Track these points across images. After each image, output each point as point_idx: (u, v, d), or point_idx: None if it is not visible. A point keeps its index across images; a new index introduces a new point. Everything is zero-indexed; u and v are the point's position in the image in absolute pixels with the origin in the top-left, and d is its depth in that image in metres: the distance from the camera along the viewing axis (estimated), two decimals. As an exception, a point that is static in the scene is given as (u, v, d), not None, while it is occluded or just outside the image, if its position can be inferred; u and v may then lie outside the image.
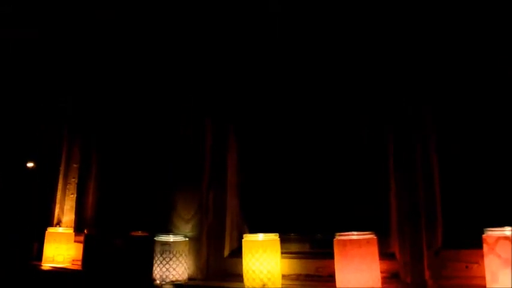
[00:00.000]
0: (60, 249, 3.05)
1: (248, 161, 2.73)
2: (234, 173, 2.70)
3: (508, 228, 1.66)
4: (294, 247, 2.44)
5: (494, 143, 2.08)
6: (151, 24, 3.02)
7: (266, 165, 2.68)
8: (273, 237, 2.20)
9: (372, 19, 2.36)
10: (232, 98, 2.74)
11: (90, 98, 3.50)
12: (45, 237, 3.09)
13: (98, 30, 3.26)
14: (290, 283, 2.24)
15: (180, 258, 2.36)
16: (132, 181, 3.17)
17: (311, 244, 2.44)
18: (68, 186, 3.45)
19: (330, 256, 2.04)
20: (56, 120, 3.64)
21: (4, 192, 3.80)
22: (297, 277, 2.30)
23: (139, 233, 2.71)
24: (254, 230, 2.39)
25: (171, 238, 2.38)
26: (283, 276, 2.23)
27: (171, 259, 2.33)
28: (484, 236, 1.74)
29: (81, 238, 3.00)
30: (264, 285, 2.10)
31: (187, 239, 2.46)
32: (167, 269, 2.32)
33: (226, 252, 2.55)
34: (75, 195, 3.41)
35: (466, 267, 1.94)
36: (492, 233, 1.71)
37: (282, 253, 2.22)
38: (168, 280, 2.32)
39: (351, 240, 1.95)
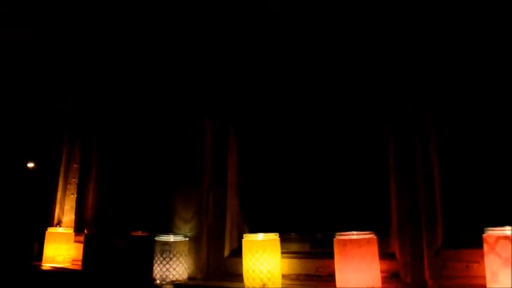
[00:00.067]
0: (60, 249, 3.05)
1: (248, 161, 2.73)
2: (234, 173, 2.70)
3: (508, 227, 1.67)
4: (294, 247, 2.44)
5: (494, 143, 2.08)
6: (151, 24, 3.02)
7: (266, 165, 2.68)
8: (273, 237, 2.20)
9: (372, 19, 2.37)
10: (232, 98, 2.74)
11: (90, 98, 3.50)
12: (46, 238, 3.09)
13: (97, 31, 3.26)
14: (290, 283, 2.24)
15: (180, 258, 2.36)
16: (132, 181, 3.17)
17: (311, 244, 2.44)
18: (68, 187, 3.45)
19: (330, 256, 2.04)
20: (56, 120, 3.64)
21: (4, 192, 3.80)
22: (297, 277, 2.30)
23: (140, 233, 2.71)
24: (254, 230, 2.39)
25: (171, 238, 2.39)
26: (283, 276, 2.23)
27: (171, 259, 2.33)
28: (484, 235, 1.75)
29: (81, 238, 3.00)
30: (264, 285, 2.10)
31: (187, 239, 2.46)
32: (167, 269, 2.32)
33: (226, 252, 2.55)
34: (75, 196, 3.42)
35: (467, 266, 1.94)
36: (492, 233, 1.71)
37: (282, 253, 2.22)
38: (168, 280, 2.32)
39: (351, 240, 1.95)
